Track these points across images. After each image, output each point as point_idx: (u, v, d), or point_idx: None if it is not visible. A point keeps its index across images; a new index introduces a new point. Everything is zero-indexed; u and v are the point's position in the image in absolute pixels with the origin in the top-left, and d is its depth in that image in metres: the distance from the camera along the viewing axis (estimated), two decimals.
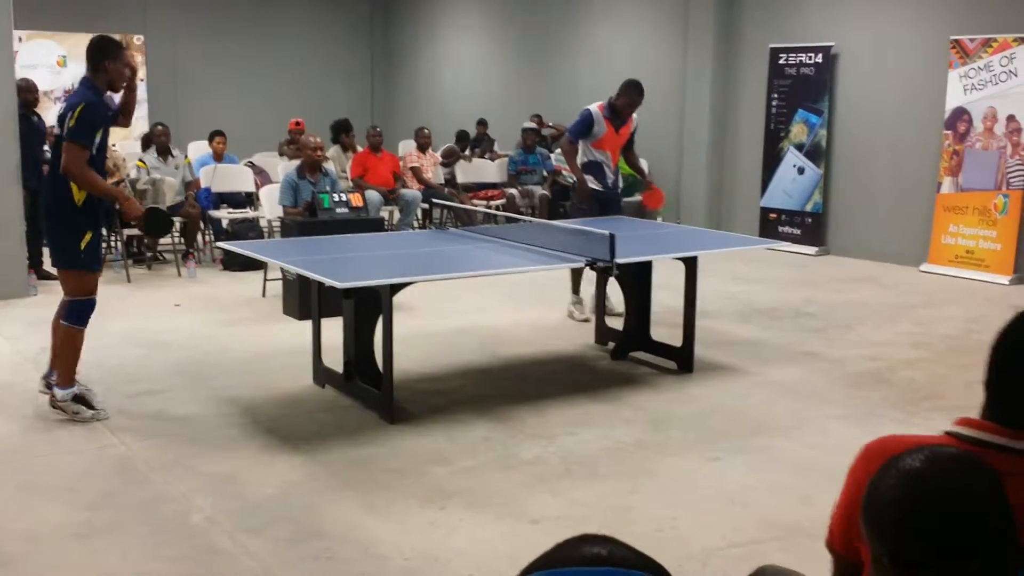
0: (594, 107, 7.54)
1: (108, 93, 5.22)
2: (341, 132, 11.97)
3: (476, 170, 12.55)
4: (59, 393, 5.17)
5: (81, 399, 5.19)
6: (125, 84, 5.30)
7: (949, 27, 9.62)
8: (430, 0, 16.57)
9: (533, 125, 12.61)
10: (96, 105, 5.02)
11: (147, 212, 5.58)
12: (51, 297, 8.18)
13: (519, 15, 14.80)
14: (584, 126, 7.49)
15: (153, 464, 4.62)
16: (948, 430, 1.84)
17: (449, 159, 12.46)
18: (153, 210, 5.76)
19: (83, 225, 5.07)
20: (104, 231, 9.39)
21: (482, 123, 14.09)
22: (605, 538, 1.08)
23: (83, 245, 5.06)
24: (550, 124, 13.82)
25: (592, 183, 7.56)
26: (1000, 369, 1.80)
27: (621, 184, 7.94)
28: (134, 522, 4.00)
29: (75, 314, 5.13)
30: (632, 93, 7.47)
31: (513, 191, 11.82)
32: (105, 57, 5.08)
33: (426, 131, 11.91)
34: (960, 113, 9.58)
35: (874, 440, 1.50)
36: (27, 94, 8.66)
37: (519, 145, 12.41)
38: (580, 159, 7.59)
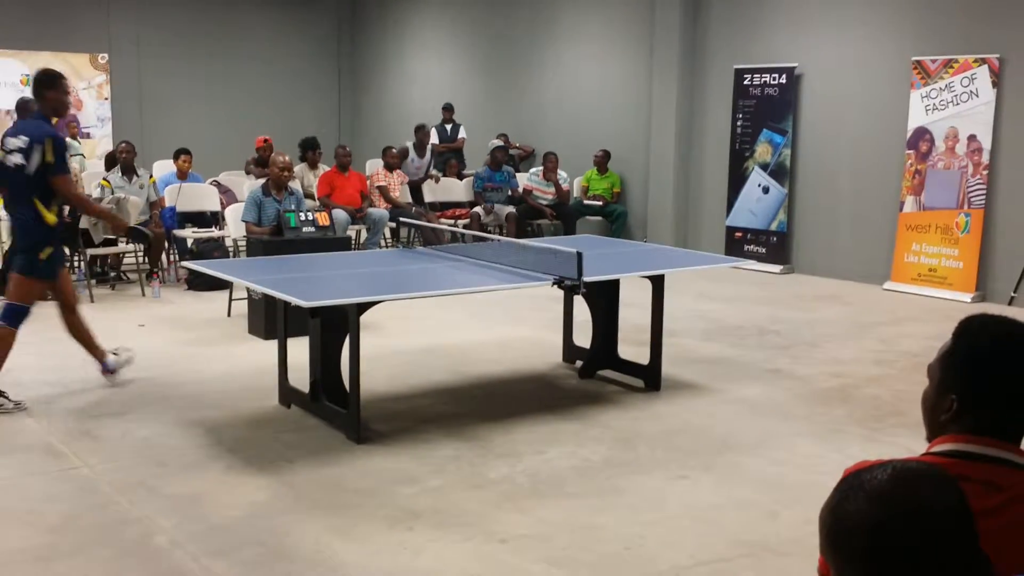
0: None
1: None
2: (308, 149, 11.94)
3: (444, 189, 12.55)
4: None
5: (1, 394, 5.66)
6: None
7: (911, 48, 9.75)
8: (397, 20, 16.60)
9: (501, 143, 12.63)
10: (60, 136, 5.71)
11: (130, 230, 6.59)
12: None
13: (486, 35, 14.86)
14: None
15: (116, 486, 4.56)
16: (944, 449, 1.84)
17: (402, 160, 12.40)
18: (134, 229, 6.65)
19: (46, 240, 5.69)
20: (67, 250, 9.34)
21: (447, 108, 14.08)
22: None
23: (44, 256, 5.69)
24: (516, 145, 13.88)
25: None
26: (981, 377, 1.83)
27: None
28: (97, 545, 3.95)
29: (12, 317, 5.70)
30: None
31: (478, 209, 11.82)
32: (45, 88, 5.71)
33: (394, 150, 11.90)
34: (922, 133, 9.70)
35: (853, 465, 1.49)
36: None
37: (487, 163, 12.42)
38: None
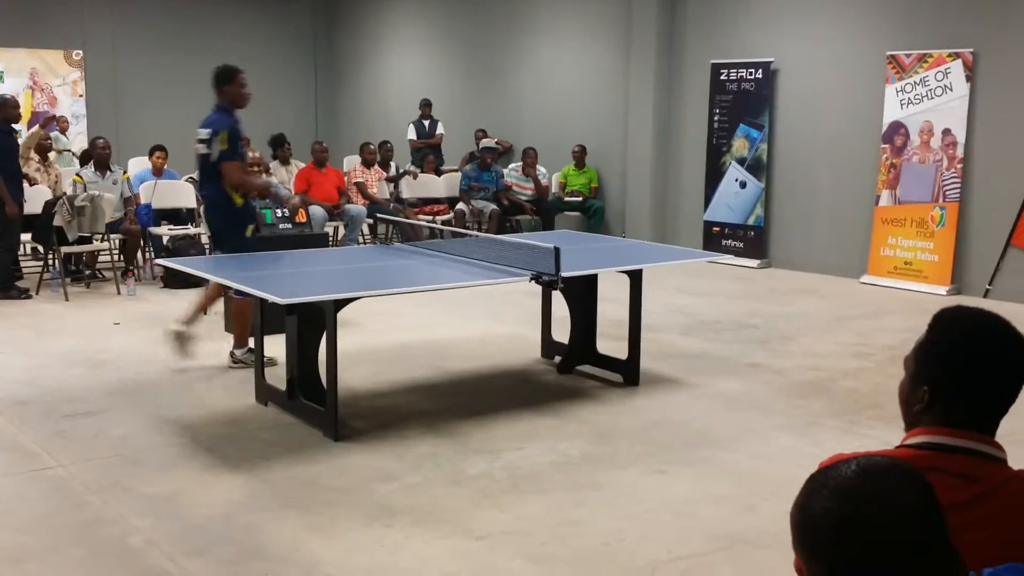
0: None
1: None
2: (278, 146, 11.92)
3: (422, 186, 12.52)
4: (237, 353, 6.50)
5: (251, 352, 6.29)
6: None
7: (885, 42, 9.79)
8: (374, 16, 16.54)
9: (493, 144, 12.59)
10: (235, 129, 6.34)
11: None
12: None
13: (464, 31, 14.82)
14: None
15: (91, 486, 4.53)
16: (918, 441, 1.84)
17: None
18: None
19: (244, 219, 6.46)
20: (41, 248, 9.29)
21: (425, 104, 14.01)
22: None
23: (248, 233, 6.49)
24: (495, 140, 13.85)
25: None
26: (954, 369, 1.83)
27: None
28: (71, 545, 3.91)
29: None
30: None
31: (462, 207, 11.80)
32: (222, 83, 6.51)
33: (372, 146, 11.87)
34: (897, 127, 9.75)
35: (828, 458, 1.48)
36: None
37: (464, 161, 12.38)
38: None
